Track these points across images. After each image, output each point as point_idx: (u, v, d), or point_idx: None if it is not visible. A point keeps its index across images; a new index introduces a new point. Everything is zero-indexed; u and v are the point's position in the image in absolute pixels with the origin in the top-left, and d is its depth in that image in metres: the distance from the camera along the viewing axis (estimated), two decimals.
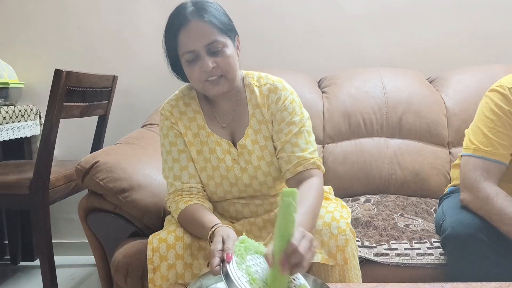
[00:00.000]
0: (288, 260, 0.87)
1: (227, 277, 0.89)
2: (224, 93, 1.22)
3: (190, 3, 1.19)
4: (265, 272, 0.94)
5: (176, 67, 1.25)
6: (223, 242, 0.98)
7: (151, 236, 1.19)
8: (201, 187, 1.28)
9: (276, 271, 0.90)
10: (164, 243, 1.15)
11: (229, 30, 1.20)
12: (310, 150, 1.23)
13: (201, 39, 1.15)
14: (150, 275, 1.14)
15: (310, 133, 1.26)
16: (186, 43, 1.16)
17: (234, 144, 1.28)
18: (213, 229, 1.07)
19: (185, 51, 1.17)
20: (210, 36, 1.15)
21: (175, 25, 1.17)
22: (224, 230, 1.04)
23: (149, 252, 1.15)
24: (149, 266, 1.14)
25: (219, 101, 1.29)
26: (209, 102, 1.30)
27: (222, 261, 0.93)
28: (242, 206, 1.31)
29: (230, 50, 1.18)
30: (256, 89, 1.29)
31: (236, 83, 1.25)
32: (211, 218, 1.13)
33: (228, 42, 1.19)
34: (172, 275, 1.13)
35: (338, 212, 1.20)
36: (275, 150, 1.27)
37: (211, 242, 1.04)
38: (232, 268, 0.91)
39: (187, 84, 1.34)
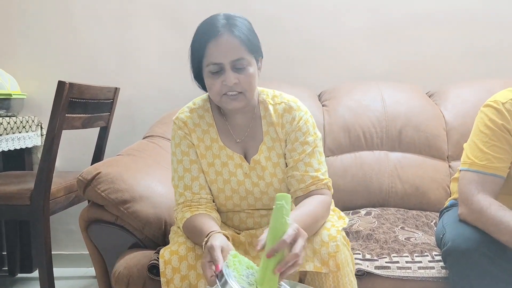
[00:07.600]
0: (285, 262, 0.93)
1: (224, 284, 0.92)
2: (240, 109, 1.24)
3: (222, 16, 1.21)
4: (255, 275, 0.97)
5: (199, 75, 1.26)
6: (210, 253, 1.02)
7: (162, 250, 1.20)
8: (210, 197, 1.29)
9: (268, 272, 0.93)
10: (176, 255, 1.16)
11: (256, 51, 1.23)
12: (323, 171, 1.26)
13: (229, 54, 1.17)
14: None
15: (321, 154, 1.29)
16: (214, 54, 1.17)
17: (246, 158, 1.30)
18: (208, 236, 1.09)
19: (211, 62, 1.18)
20: (238, 53, 1.17)
21: (206, 35, 1.18)
22: (216, 238, 1.06)
23: (161, 266, 1.15)
24: (162, 280, 1.14)
25: (234, 116, 1.30)
26: (223, 116, 1.32)
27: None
28: (246, 216, 1.32)
29: (253, 69, 1.21)
30: (271, 107, 1.31)
31: (252, 100, 1.27)
32: (210, 226, 1.15)
33: (253, 61, 1.21)
34: (185, 286, 1.13)
35: (329, 222, 1.22)
36: (286, 167, 1.29)
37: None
38: (227, 274, 0.94)
39: (201, 96, 1.36)
